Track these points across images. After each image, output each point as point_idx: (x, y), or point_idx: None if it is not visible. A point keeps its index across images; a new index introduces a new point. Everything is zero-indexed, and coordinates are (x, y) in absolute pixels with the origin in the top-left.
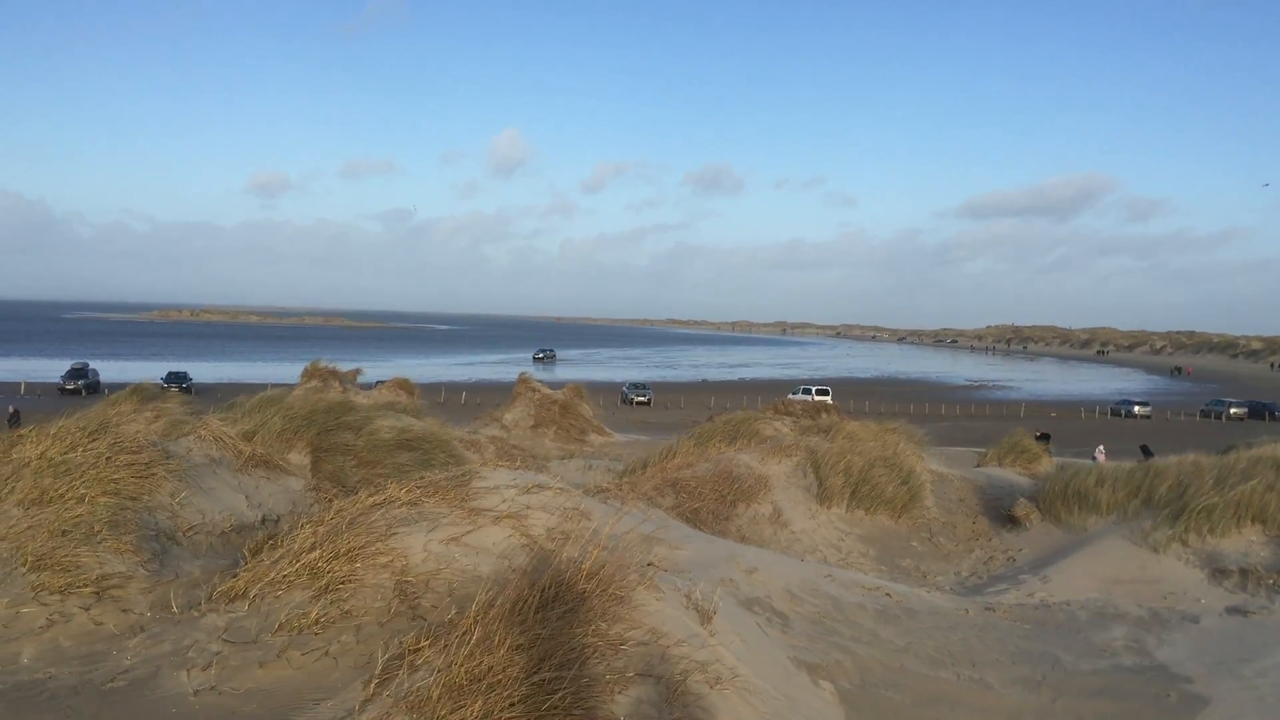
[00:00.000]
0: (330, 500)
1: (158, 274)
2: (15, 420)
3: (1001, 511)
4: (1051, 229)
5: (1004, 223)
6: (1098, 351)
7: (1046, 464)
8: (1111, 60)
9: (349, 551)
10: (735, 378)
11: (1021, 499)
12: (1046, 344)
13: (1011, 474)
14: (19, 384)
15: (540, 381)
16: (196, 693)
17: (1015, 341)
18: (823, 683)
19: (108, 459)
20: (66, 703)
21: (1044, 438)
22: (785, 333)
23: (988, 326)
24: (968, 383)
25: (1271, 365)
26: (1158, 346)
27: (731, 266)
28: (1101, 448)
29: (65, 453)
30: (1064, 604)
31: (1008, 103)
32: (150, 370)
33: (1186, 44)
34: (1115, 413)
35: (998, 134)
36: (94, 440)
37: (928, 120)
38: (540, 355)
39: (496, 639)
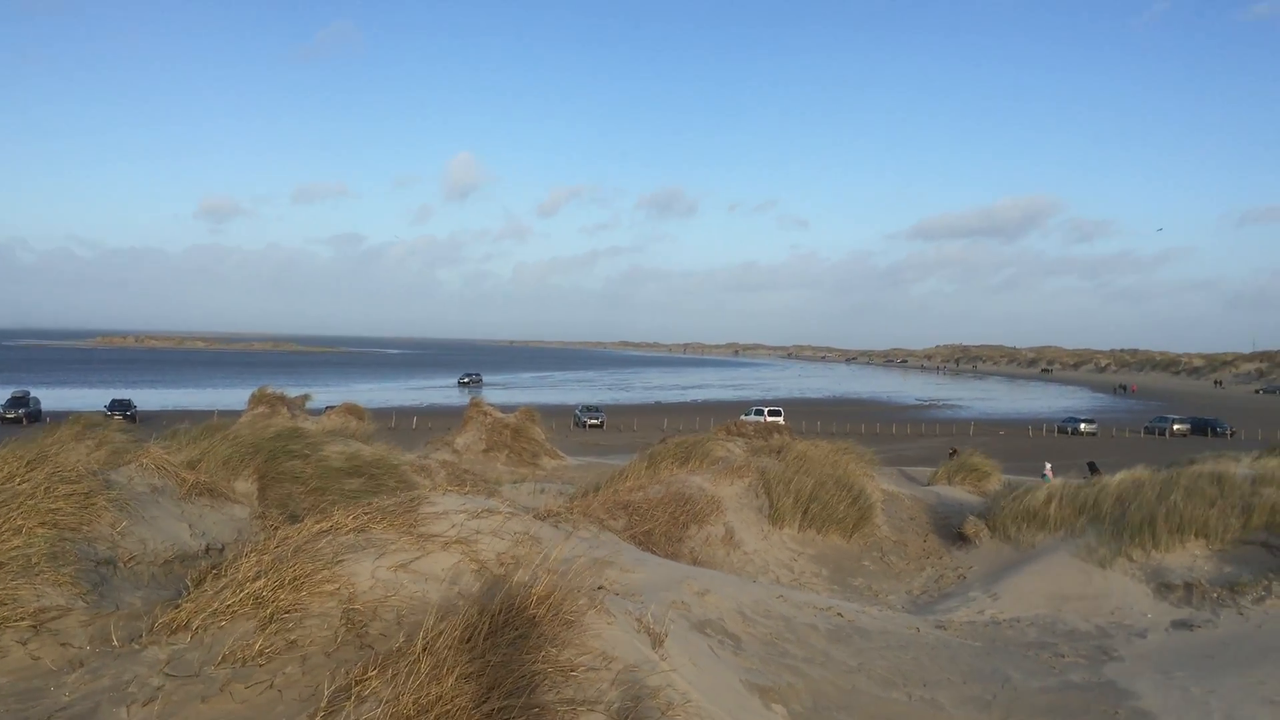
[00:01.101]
0: (276, 528)
1: (102, 300)
2: None
3: (952, 529)
4: (999, 249)
5: (953, 244)
6: (1042, 370)
7: (995, 482)
8: (1057, 82)
9: (294, 580)
10: (688, 399)
11: (971, 517)
12: (995, 363)
13: (961, 492)
14: None
15: (492, 405)
16: None
17: (964, 361)
18: (775, 706)
19: (46, 489)
20: None
21: (1092, 467)
22: (737, 354)
23: (937, 346)
24: (918, 402)
25: (1215, 382)
26: (1102, 364)
27: (684, 289)
28: (1049, 465)
29: (2, 483)
30: (1014, 620)
31: (959, 125)
32: (94, 398)
33: (1131, 67)
34: (1062, 430)
35: (948, 156)
36: (32, 470)
37: (880, 143)
38: (466, 380)
39: (445, 667)
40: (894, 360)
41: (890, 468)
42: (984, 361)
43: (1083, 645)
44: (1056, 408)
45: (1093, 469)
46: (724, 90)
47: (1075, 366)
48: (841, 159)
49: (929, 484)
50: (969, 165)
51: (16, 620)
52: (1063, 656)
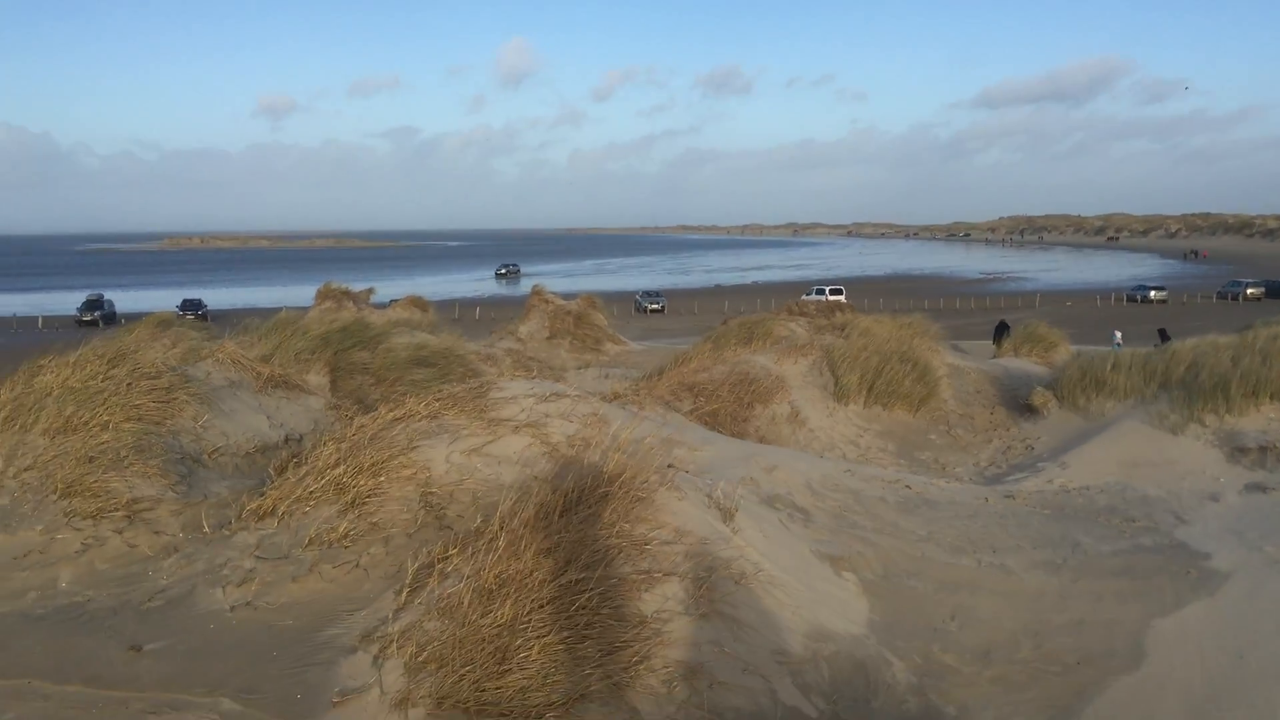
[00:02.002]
0: (351, 417)
1: (167, 202)
2: None
3: (1019, 401)
4: (1066, 115)
5: (1018, 111)
6: (1108, 238)
7: (1063, 352)
8: None
9: (373, 466)
10: (748, 281)
11: (1038, 388)
12: (1060, 233)
13: (1028, 364)
14: (37, 318)
15: (554, 294)
16: (233, 608)
17: (1029, 232)
18: (846, 574)
19: (129, 385)
20: (106, 623)
21: (1163, 334)
22: (796, 234)
23: (1000, 218)
24: (982, 275)
25: None
26: (1173, 230)
27: (742, 170)
28: (1119, 333)
29: (86, 381)
30: (1083, 488)
31: None
32: (165, 299)
33: None
34: (1131, 298)
35: (1012, 20)
36: (114, 368)
37: (941, 9)
38: (503, 271)
39: (523, 544)
40: (956, 234)
41: (955, 341)
42: (1049, 232)
43: (1154, 510)
44: (1125, 276)
45: (1163, 336)
46: None
47: (1144, 233)
48: (901, 27)
49: (995, 357)
50: (1035, 28)
51: (111, 510)
52: (1133, 521)
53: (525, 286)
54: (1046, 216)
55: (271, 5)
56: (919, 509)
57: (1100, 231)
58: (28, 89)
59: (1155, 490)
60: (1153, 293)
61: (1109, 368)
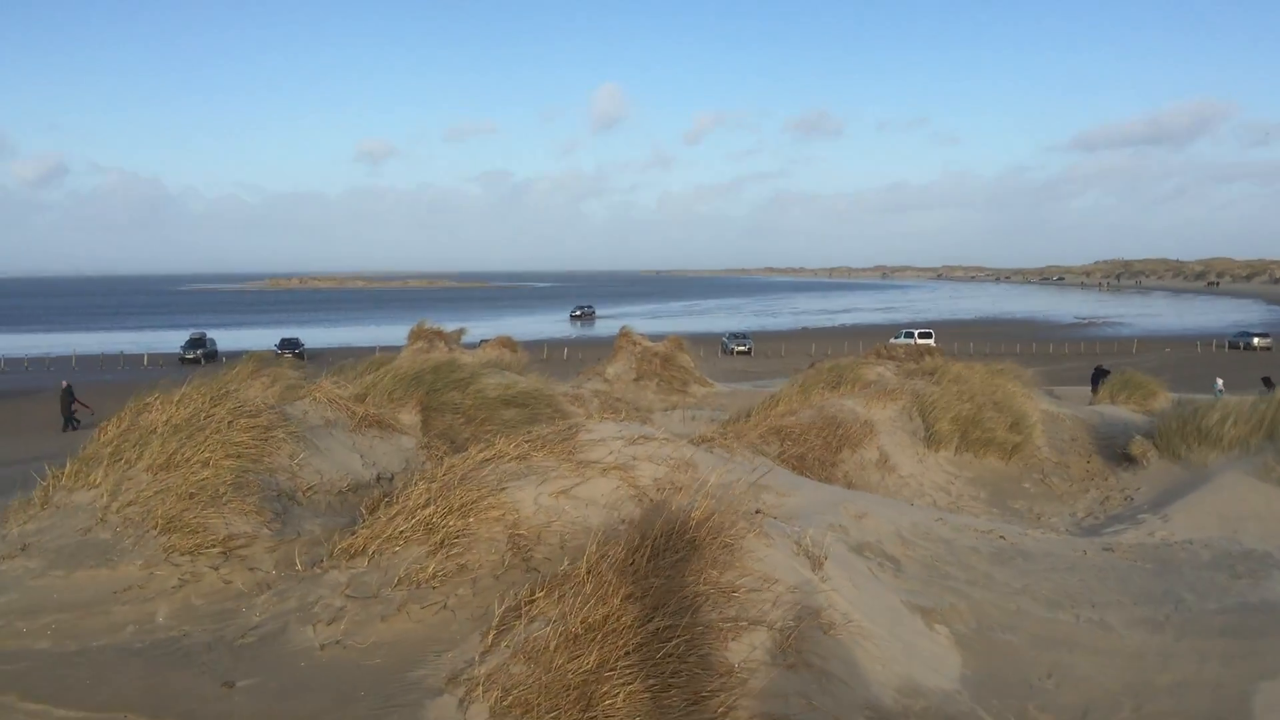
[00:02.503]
0: (441, 457)
1: (268, 243)
2: (70, 395)
3: (1117, 450)
4: (1166, 158)
5: (1116, 154)
6: (1208, 283)
7: (1163, 400)
8: None
9: (462, 506)
10: (835, 324)
11: (1138, 436)
12: (1159, 277)
13: (1126, 411)
14: (142, 355)
15: (641, 335)
16: (323, 646)
17: (1125, 276)
18: (937, 626)
19: (229, 423)
20: (201, 659)
21: (1267, 382)
22: (884, 276)
23: (1096, 262)
24: (1076, 320)
25: None
26: (1277, 276)
27: (830, 212)
28: (1221, 380)
29: (189, 418)
30: (1186, 542)
31: (1121, 27)
32: (264, 338)
33: None
34: (1233, 345)
35: (1111, 61)
36: (216, 405)
37: (1036, 51)
38: (578, 313)
39: (610, 589)
40: (1049, 278)
41: (1049, 387)
42: (1147, 276)
43: (1260, 566)
44: (1227, 322)
45: (1268, 384)
46: (869, 3)
47: (1247, 278)
48: (996, 69)
49: (1091, 403)
50: (1133, 70)
51: (208, 547)
52: (1239, 577)
53: (603, 328)
54: (1144, 260)
55: (375, 55)
56: (1013, 560)
57: (1200, 276)
58: (141, 136)
59: (1261, 545)
60: (1256, 339)
61: (1211, 417)
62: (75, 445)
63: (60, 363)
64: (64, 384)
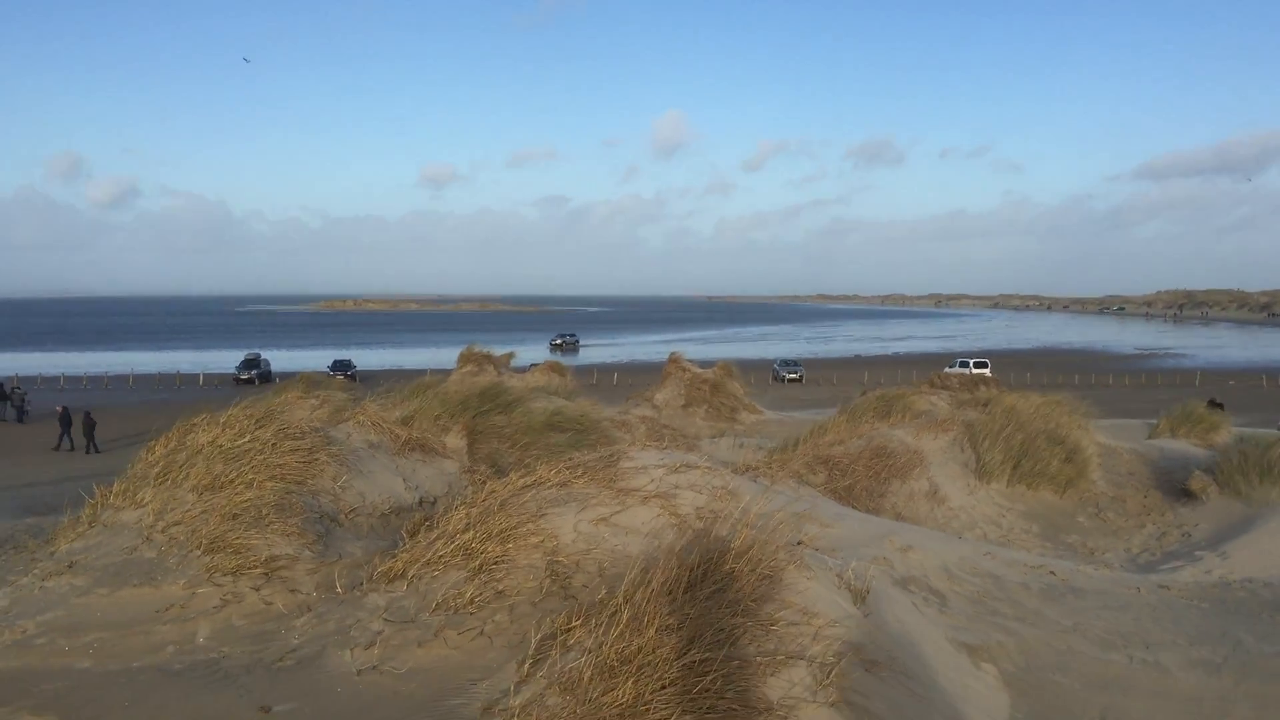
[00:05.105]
0: (483, 482)
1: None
2: (66, 420)
3: (1176, 485)
4: (1234, 188)
5: (1182, 184)
6: (1270, 315)
7: (1225, 434)
8: None
9: (501, 532)
10: (889, 351)
11: (1197, 471)
12: (1223, 308)
13: (1186, 445)
14: (198, 375)
15: (690, 361)
16: (360, 672)
17: (1189, 306)
18: (984, 665)
19: (274, 445)
20: (239, 681)
21: (1216, 405)
22: (939, 304)
23: (1157, 292)
24: (1137, 351)
25: None
26: None
27: (888, 240)
28: None
29: (235, 440)
30: (1245, 581)
31: (1188, 55)
32: (318, 359)
33: None
34: None
35: (1178, 89)
36: (261, 427)
37: (1102, 80)
38: (559, 341)
39: (646, 619)
40: (1108, 308)
41: (1107, 420)
42: (1211, 307)
43: None
44: None
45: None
46: (936, 31)
47: None
48: (1061, 97)
49: (1150, 437)
50: (1200, 99)
51: (250, 568)
52: None
53: (654, 352)
54: (1207, 291)
55: (439, 81)
56: (1064, 597)
57: (1265, 308)
58: (208, 160)
59: None
60: None
61: (1276, 452)
62: (107, 467)
63: (118, 381)
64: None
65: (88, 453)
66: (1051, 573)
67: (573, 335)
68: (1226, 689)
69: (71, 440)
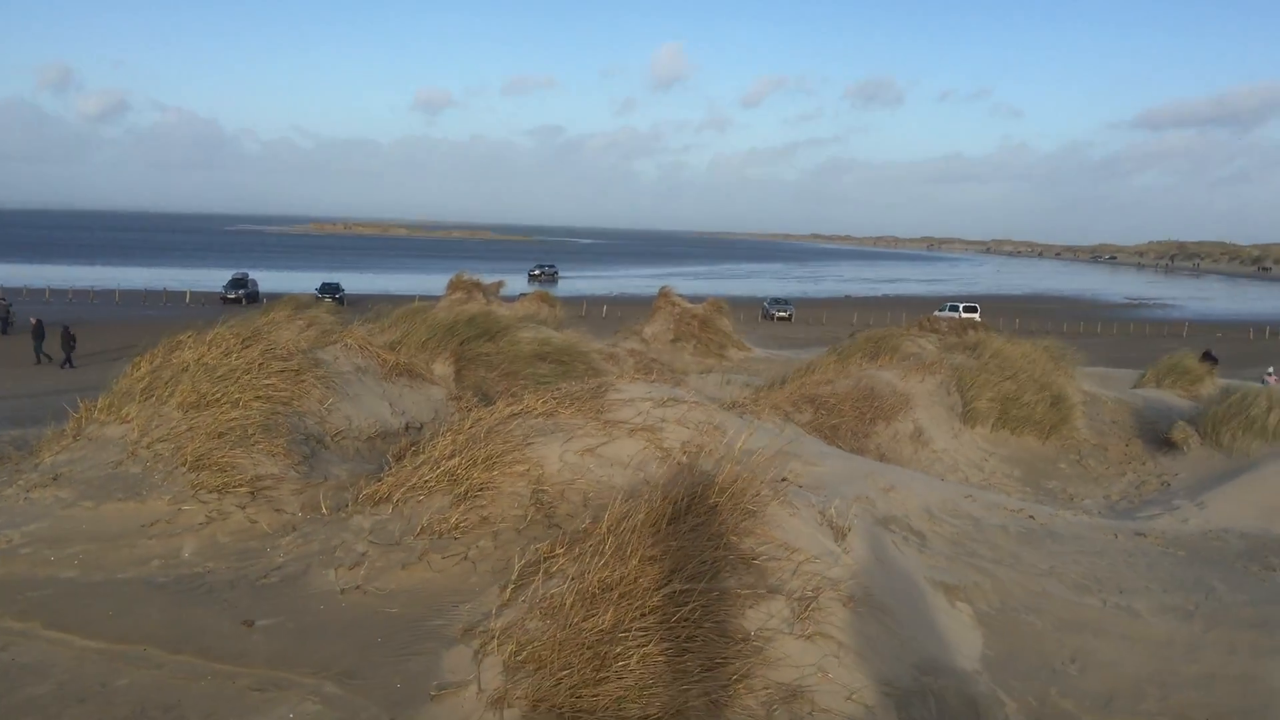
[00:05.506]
0: (470, 410)
1: (316, 187)
2: (39, 333)
3: (1158, 434)
4: (1231, 140)
5: (1180, 134)
6: (1260, 268)
7: (1210, 386)
8: None
9: (487, 460)
10: (879, 293)
11: (1180, 422)
12: (1214, 260)
13: (1171, 396)
14: (185, 293)
15: (681, 296)
16: (343, 591)
17: (1180, 258)
18: (960, 604)
19: (261, 365)
20: (223, 596)
21: (1210, 358)
22: (931, 248)
23: (1150, 242)
24: (1126, 301)
25: None
26: None
27: (882, 181)
28: (1272, 369)
29: (221, 359)
30: (1221, 531)
31: (1192, 4)
32: (306, 281)
33: None
34: None
35: (1181, 40)
36: (248, 347)
37: (1108, 24)
38: (537, 272)
39: (629, 549)
40: (1100, 256)
41: (1093, 368)
42: (1203, 259)
43: None
44: None
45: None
46: None
47: None
48: (1064, 42)
49: (1136, 386)
50: (1203, 47)
51: (236, 486)
52: (1275, 570)
53: (644, 286)
54: (1199, 243)
55: (443, 3)
56: (1042, 541)
57: (1255, 261)
58: (199, 76)
59: None
60: None
61: (1260, 406)
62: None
63: (104, 296)
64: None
65: (62, 367)
66: (1031, 517)
67: (552, 266)
68: (1196, 635)
69: (49, 354)
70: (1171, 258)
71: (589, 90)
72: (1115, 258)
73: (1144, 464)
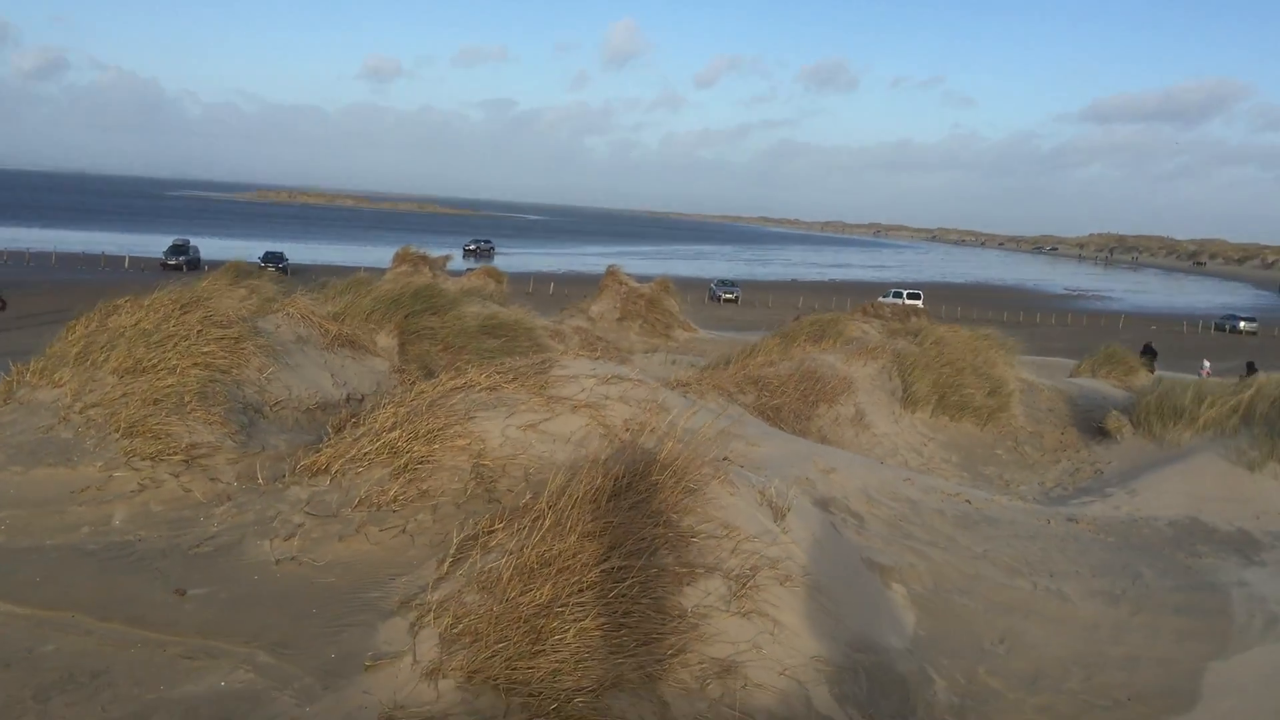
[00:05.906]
0: (413, 382)
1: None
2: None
3: (1092, 423)
4: (1176, 136)
5: (1126, 128)
6: (1195, 263)
7: (1144, 377)
8: None
9: (428, 433)
10: (825, 278)
11: (1114, 411)
12: (1153, 254)
13: (1106, 385)
14: (124, 258)
15: (628, 275)
16: (278, 561)
17: (1119, 250)
18: (895, 585)
19: (199, 332)
20: (155, 565)
21: (1250, 367)
22: (878, 234)
23: (1091, 235)
24: (1065, 291)
25: None
26: (1270, 261)
27: (832, 166)
28: (1208, 362)
29: (158, 324)
30: (1150, 519)
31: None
32: (249, 249)
33: None
34: (1220, 328)
35: (1132, 34)
36: (186, 313)
37: (1058, 18)
38: (473, 247)
39: (569, 524)
40: (1042, 247)
41: (1031, 357)
42: (1142, 253)
43: (1223, 548)
44: (1215, 304)
45: (1251, 369)
46: None
47: (1239, 261)
48: (1018, 34)
49: (1072, 376)
50: (1152, 42)
51: (170, 454)
52: (1200, 557)
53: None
54: (1139, 236)
55: None
56: (977, 525)
57: (1192, 256)
58: (140, 34)
59: (1226, 527)
60: (1243, 323)
61: (1189, 397)
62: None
63: (40, 258)
64: None
65: None
66: (967, 501)
67: (488, 241)
68: (1122, 618)
69: None
70: (1111, 251)
71: (542, 64)
72: (1057, 249)
73: (1079, 451)
